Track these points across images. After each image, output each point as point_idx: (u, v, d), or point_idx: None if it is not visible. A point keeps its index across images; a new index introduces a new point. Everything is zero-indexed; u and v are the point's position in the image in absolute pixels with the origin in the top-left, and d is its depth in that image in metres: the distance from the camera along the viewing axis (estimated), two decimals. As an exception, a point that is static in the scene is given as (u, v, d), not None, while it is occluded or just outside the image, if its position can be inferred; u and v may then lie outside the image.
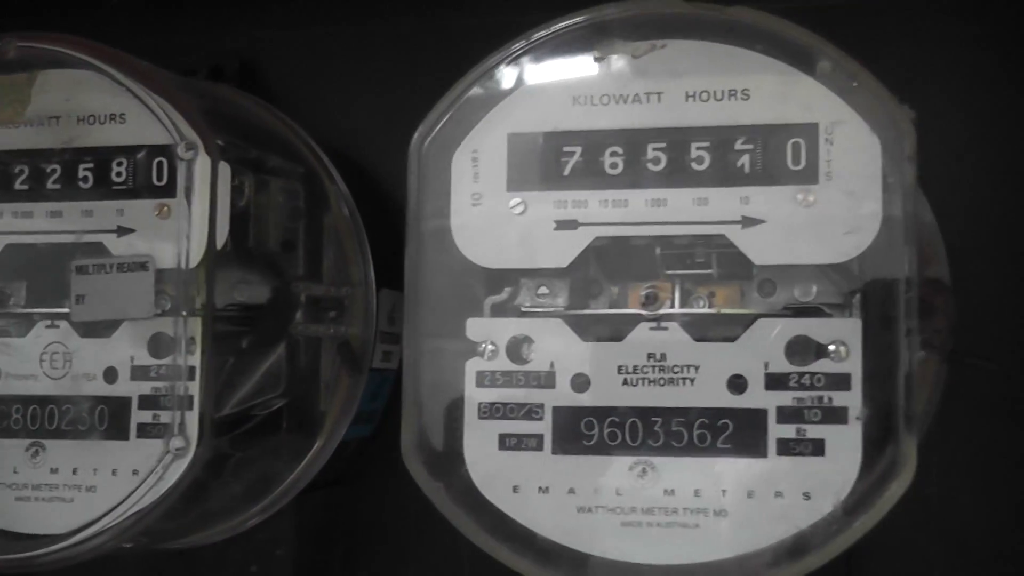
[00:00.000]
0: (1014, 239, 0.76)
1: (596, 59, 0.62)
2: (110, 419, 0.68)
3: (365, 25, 0.86)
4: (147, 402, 0.68)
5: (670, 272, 0.65)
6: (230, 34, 0.87)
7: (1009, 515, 0.75)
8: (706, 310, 0.63)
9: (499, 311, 0.65)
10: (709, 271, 0.64)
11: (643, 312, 0.63)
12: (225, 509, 0.76)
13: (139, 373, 0.68)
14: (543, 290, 0.66)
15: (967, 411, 0.75)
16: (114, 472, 0.68)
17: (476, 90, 0.64)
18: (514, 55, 0.63)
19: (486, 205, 0.64)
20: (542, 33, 0.62)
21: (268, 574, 0.77)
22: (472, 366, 0.64)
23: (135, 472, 0.67)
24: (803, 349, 0.61)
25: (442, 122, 0.63)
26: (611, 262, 0.65)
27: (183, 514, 0.73)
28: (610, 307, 0.65)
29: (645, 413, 0.62)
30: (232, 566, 0.77)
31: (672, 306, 0.64)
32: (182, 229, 0.66)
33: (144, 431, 0.68)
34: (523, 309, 0.65)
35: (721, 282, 0.65)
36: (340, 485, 0.82)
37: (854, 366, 0.61)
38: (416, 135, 0.63)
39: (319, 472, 0.76)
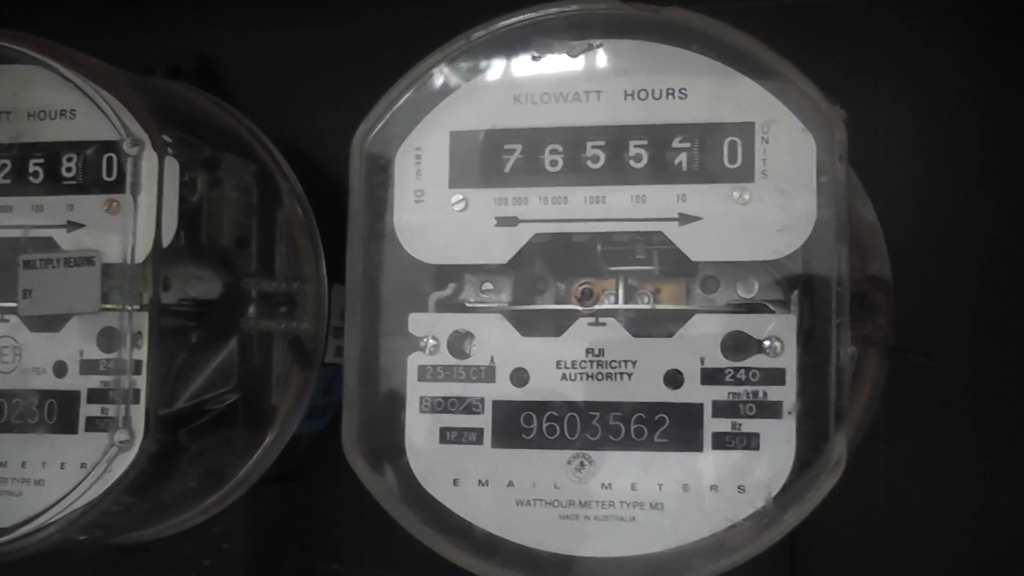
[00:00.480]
0: (956, 237, 0.76)
1: (534, 58, 0.63)
2: (59, 413, 0.69)
3: (323, 25, 0.87)
4: (96, 396, 0.69)
5: (613, 268, 0.65)
6: (190, 33, 0.87)
7: (952, 507, 0.76)
8: (642, 306, 0.64)
9: (444, 306, 0.66)
10: (651, 268, 0.65)
11: (579, 308, 0.63)
12: (178, 503, 0.76)
13: (88, 367, 0.69)
14: (487, 286, 0.66)
15: (912, 406, 0.76)
16: (63, 466, 0.68)
17: (419, 88, 0.65)
18: (454, 54, 0.63)
19: (428, 202, 0.65)
20: (481, 32, 0.63)
21: (221, 568, 0.77)
22: (414, 360, 0.65)
23: (83, 465, 0.68)
24: (739, 345, 0.62)
25: (383, 120, 0.64)
26: (556, 259, 0.66)
27: (135, 507, 0.74)
28: (557, 303, 0.66)
29: (583, 407, 0.63)
30: (185, 560, 0.77)
31: (617, 302, 0.65)
32: (128, 225, 0.67)
33: (93, 425, 0.69)
34: (468, 304, 0.66)
35: (666, 278, 0.66)
36: (294, 479, 0.82)
37: (789, 361, 0.61)
38: (358, 132, 0.64)
39: (272, 466, 0.77)
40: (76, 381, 0.69)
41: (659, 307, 0.64)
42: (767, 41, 0.64)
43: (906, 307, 0.72)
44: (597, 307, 0.64)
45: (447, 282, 0.67)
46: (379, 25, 0.86)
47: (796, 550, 0.73)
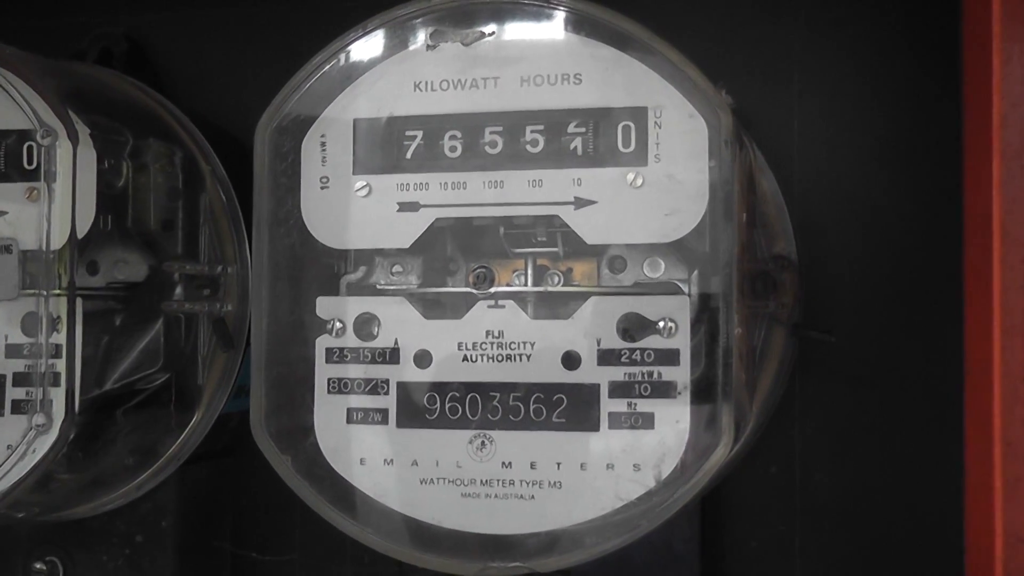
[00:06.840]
0: (863, 215, 0.77)
1: (428, 47, 0.64)
2: (-15, 396, 0.71)
3: (252, 7, 0.88)
4: (21, 379, 0.70)
5: (519, 251, 0.67)
6: (121, 16, 0.88)
7: (865, 481, 0.78)
8: (539, 288, 0.65)
9: (355, 289, 0.68)
10: (555, 249, 0.66)
11: (475, 291, 0.65)
12: (111, 481, 0.78)
13: (12, 351, 0.71)
14: (397, 269, 0.68)
15: (826, 382, 0.78)
16: (-11, 447, 0.70)
17: (322, 77, 0.66)
18: (350, 44, 0.64)
19: (333, 188, 0.66)
20: (376, 22, 0.64)
21: (153, 543, 0.79)
22: (322, 343, 0.66)
23: (9, 447, 0.70)
24: (634, 326, 0.63)
25: (286, 108, 0.65)
26: (461, 243, 0.67)
27: (69, 485, 0.76)
28: (467, 286, 0.67)
29: (484, 388, 0.64)
30: (119, 536, 0.79)
31: (526, 283, 0.66)
32: (43, 212, 0.68)
33: (18, 408, 0.70)
34: (378, 287, 0.68)
35: (578, 259, 0.67)
36: (226, 457, 0.84)
37: (682, 342, 0.63)
38: (261, 120, 0.65)
39: (202, 444, 0.78)
40: (1, 365, 0.71)
41: (552, 289, 0.65)
42: (679, 20, 0.64)
43: (814, 285, 0.73)
44: (494, 289, 0.65)
45: (358, 266, 0.68)
46: (313, 7, 0.86)
47: (707, 526, 0.75)
